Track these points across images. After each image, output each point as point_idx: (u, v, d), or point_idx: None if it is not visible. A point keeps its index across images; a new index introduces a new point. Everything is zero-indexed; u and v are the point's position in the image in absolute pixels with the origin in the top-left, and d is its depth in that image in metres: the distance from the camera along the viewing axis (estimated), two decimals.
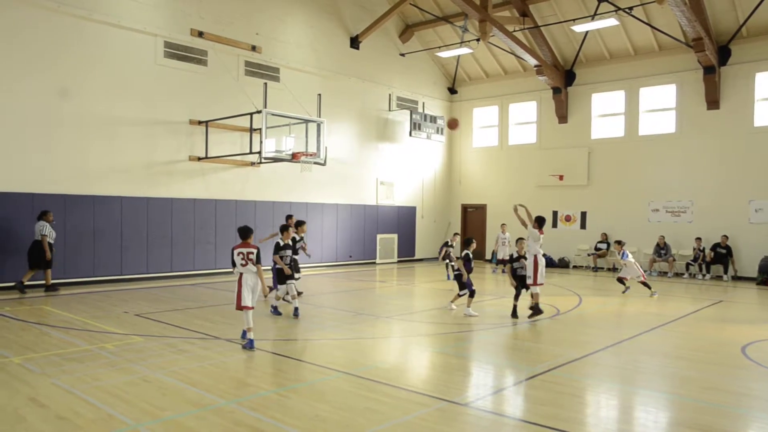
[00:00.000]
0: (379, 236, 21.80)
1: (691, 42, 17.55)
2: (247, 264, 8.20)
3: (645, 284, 13.99)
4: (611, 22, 17.32)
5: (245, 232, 8.43)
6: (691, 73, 18.93)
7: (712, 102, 18.55)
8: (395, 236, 22.53)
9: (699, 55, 17.77)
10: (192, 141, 16.34)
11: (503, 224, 18.80)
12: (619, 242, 14.81)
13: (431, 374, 7.22)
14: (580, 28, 18.07)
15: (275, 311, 10.70)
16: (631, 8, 16.88)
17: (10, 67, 13.17)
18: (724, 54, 18.29)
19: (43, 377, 6.46)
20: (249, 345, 7.98)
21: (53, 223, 13.03)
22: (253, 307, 8.16)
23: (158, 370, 6.77)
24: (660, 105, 19.99)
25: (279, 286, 10.88)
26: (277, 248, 10.66)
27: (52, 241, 12.89)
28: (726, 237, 17.97)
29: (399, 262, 22.59)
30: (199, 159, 16.41)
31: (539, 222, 10.82)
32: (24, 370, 6.76)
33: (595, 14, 17.88)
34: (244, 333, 8.27)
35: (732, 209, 18.28)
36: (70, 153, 14.11)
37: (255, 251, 8.26)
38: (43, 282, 13.01)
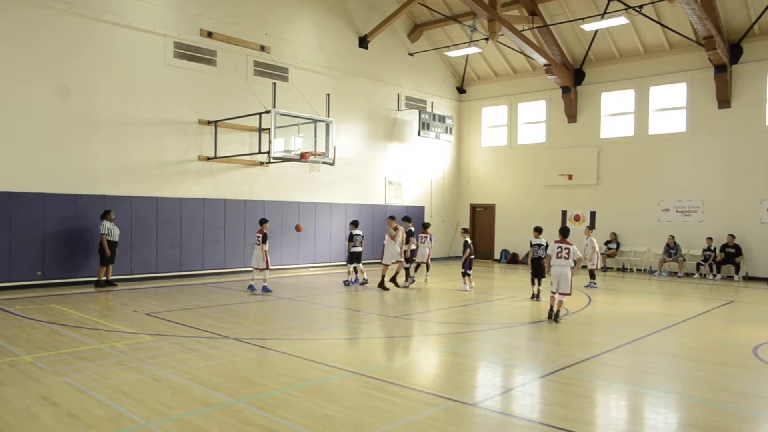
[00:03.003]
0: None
1: (702, 40, 17.42)
2: (257, 243, 13.42)
3: (420, 266, 16.00)
4: (621, 20, 17.22)
5: (261, 222, 13.65)
6: (702, 72, 18.78)
7: (724, 101, 18.40)
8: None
9: (710, 54, 17.63)
10: (201, 141, 16.42)
11: (589, 228, 16.18)
12: (425, 225, 16.21)
13: (439, 374, 7.21)
14: (589, 26, 17.98)
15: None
16: (641, 7, 16.77)
17: (22, 67, 13.28)
18: (735, 52, 18.13)
19: (54, 375, 6.52)
20: (250, 288, 13.49)
21: (115, 221, 14.05)
22: (254, 268, 13.56)
23: (168, 369, 6.82)
24: (670, 104, 19.85)
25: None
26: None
27: (115, 239, 13.98)
28: (732, 237, 17.83)
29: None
30: (208, 159, 16.48)
31: (561, 233, 10.48)
32: (35, 368, 6.82)
33: (604, 13, 17.79)
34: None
35: (743, 209, 18.12)
36: (81, 153, 14.21)
37: (261, 235, 13.30)
38: (95, 278, 14.02)
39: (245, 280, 15.11)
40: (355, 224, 15.13)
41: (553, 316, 10.15)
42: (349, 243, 14.93)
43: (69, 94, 13.97)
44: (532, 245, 12.65)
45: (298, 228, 14.69)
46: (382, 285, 14.27)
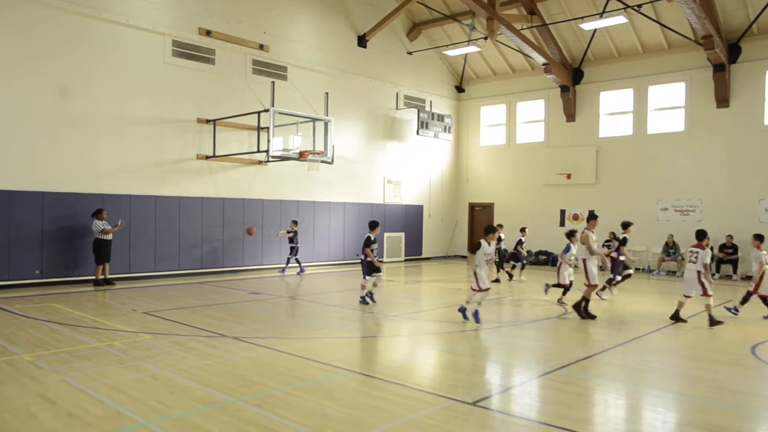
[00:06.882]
0: (386, 235, 21.80)
1: (701, 40, 17.42)
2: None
3: None
4: (620, 20, 17.23)
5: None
6: (701, 71, 18.79)
7: (722, 100, 18.41)
8: (402, 235, 22.52)
9: (709, 53, 17.64)
10: (200, 140, 16.40)
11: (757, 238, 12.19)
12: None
13: (439, 373, 7.21)
14: (588, 26, 17.98)
15: (363, 301, 11.67)
16: (639, 6, 16.76)
17: (20, 66, 13.26)
18: (734, 52, 18.14)
19: (53, 374, 6.51)
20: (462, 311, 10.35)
21: (104, 221, 13.92)
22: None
23: (166, 368, 6.81)
24: (669, 103, 19.87)
25: (366, 277, 11.67)
26: (368, 242, 11.51)
27: (108, 238, 13.94)
28: (731, 237, 17.83)
29: (406, 260, 22.58)
30: (207, 158, 16.46)
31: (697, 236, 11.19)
32: (34, 367, 6.81)
33: (603, 12, 17.78)
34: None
35: (742, 208, 18.13)
36: (79, 151, 14.20)
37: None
38: (93, 277, 14.03)
39: (244, 279, 15.11)
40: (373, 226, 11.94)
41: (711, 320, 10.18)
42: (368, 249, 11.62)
43: (68, 93, 13.94)
44: (499, 240, 15.67)
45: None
46: (587, 313, 10.79)
